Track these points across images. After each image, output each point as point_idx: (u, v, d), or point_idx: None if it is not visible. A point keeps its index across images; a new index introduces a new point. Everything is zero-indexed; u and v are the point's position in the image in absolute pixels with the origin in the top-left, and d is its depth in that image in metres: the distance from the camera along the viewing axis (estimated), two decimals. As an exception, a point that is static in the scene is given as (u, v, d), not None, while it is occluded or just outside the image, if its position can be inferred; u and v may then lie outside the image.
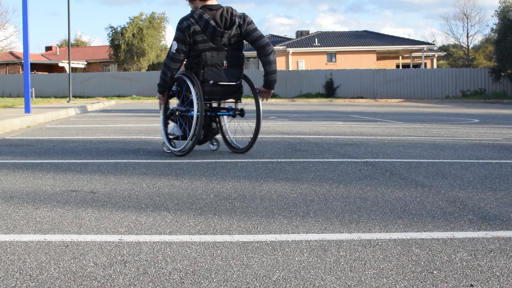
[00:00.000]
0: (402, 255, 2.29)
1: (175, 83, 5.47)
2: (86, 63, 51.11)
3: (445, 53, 50.30)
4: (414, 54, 43.24)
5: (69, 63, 25.24)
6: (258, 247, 2.39)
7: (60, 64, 48.33)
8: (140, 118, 12.66)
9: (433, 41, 49.69)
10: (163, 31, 46.29)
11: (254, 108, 5.45)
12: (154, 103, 26.18)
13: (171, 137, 5.52)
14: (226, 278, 2.01)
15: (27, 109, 11.45)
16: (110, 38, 44.72)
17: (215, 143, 5.86)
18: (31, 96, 20.88)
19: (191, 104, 5.27)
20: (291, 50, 40.18)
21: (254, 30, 5.31)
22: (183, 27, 5.15)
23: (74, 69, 48.24)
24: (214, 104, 5.70)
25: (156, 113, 13.40)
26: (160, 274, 2.05)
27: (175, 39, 5.19)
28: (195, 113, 5.12)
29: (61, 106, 16.27)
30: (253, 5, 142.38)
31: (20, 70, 46.05)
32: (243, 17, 5.29)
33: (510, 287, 1.94)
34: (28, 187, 3.72)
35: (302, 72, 35.80)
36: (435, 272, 2.09)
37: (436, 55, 45.49)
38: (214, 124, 5.64)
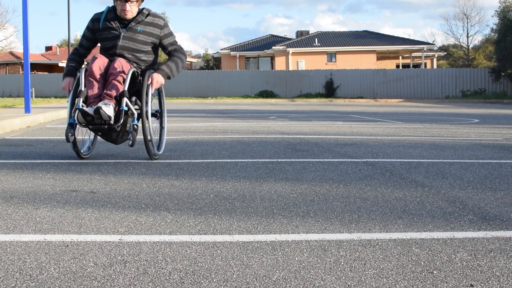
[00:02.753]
0: (402, 255, 2.29)
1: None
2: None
3: (445, 53, 50.22)
4: (414, 54, 43.20)
5: (69, 63, 25.19)
6: (258, 247, 2.39)
7: (60, 64, 48.26)
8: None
9: (433, 41, 49.59)
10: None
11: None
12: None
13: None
14: (226, 278, 2.01)
15: (27, 109, 11.44)
16: (110, 38, 44.64)
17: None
18: (31, 96, 20.87)
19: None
20: (291, 50, 40.14)
21: None
22: None
23: (74, 69, 48.11)
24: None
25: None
26: (160, 274, 2.05)
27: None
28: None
29: (61, 106, 16.26)
30: (252, 5, 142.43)
31: (20, 70, 46.00)
32: None
33: (510, 287, 1.94)
34: (28, 187, 3.72)
35: (302, 72, 35.79)
36: (435, 272, 2.09)
37: (436, 55, 45.45)
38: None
